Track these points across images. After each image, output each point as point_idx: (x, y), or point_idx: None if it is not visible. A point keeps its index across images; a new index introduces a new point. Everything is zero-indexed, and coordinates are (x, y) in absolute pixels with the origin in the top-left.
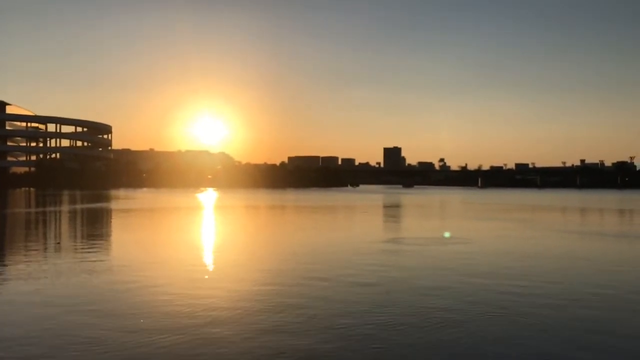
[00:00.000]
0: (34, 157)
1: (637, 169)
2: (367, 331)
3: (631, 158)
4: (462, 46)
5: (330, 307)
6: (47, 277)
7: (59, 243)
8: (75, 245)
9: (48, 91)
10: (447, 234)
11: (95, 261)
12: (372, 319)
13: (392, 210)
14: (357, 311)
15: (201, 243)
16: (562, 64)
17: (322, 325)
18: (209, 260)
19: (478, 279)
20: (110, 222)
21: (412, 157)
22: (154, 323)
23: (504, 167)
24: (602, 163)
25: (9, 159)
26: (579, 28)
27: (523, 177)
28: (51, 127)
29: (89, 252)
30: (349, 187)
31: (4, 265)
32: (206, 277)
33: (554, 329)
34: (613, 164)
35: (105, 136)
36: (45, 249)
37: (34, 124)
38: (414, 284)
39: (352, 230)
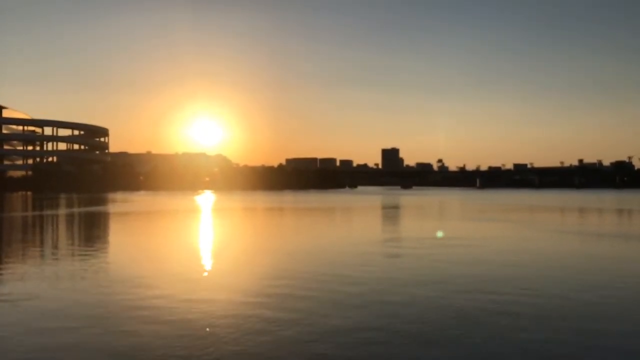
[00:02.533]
0: (30, 161)
1: (636, 168)
2: (365, 336)
3: (629, 157)
4: (460, 47)
5: (329, 312)
6: (40, 280)
7: (55, 247)
8: (71, 249)
9: (44, 94)
10: (439, 234)
11: (90, 265)
12: (370, 323)
13: (391, 212)
14: (354, 315)
15: (199, 246)
16: (560, 65)
17: (320, 330)
18: (206, 263)
19: (479, 290)
20: (108, 225)
21: (410, 158)
22: (148, 327)
23: (503, 168)
24: (600, 163)
25: (6, 162)
26: (577, 29)
27: (521, 177)
28: (48, 131)
29: (85, 255)
30: (347, 189)
31: None
32: (203, 280)
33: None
34: (611, 163)
35: (102, 139)
36: (42, 252)
37: (30, 128)
38: (411, 290)
39: (351, 232)
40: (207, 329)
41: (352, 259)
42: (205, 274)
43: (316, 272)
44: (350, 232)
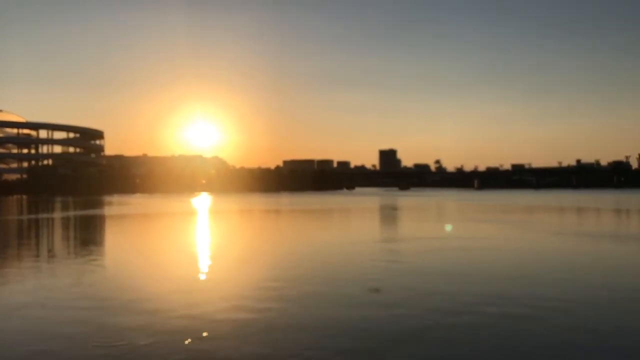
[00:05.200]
0: (25, 164)
1: (633, 168)
2: (366, 343)
3: (626, 157)
4: (457, 47)
5: (329, 317)
6: (35, 283)
7: (50, 250)
8: (67, 253)
9: (39, 96)
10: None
11: (86, 269)
12: (371, 328)
13: (389, 213)
14: (356, 319)
15: (195, 249)
16: (557, 65)
17: (319, 336)
18: (203, 266)
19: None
20: (104, 228)
21: (407, 159)
22: (146, 332)
23: (500, 168)
24: (597, 162)
25: (1, 166)
26: (574, 29)
27: (519, 177)
28: (43, 134)
29: (80, 259)
30: (345, 190)
31: None
32: (201, 284)
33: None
34: (609, 163)
35: (98, 142)
36: (34, 257)
37: (25, 131)
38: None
39: (349, 235)
40: (205, 334)
41: (350, 261)
42: (203, 277)
43: (314, 276)
44: (348, 234)
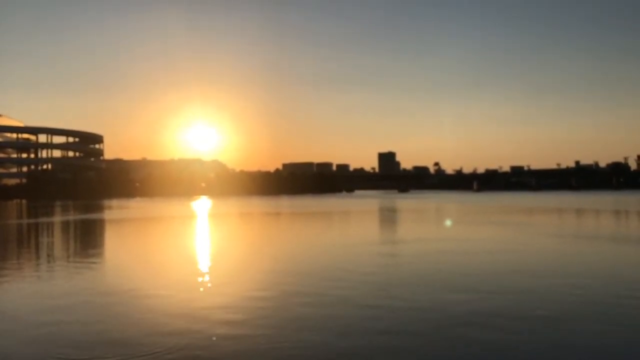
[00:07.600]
0: (25, 169)
1: (632, 169)
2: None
3: (625, 158)
4: (456, 49)
5: (330, 324)
6: (34, 287)
7: (49, 255)
8: (66, 258)
9: (38, 100)
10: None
11: (85, 273)
12: (370, 328)
13: (388, 215)
14: (360, 328)
15: (196, 254)
16: (556, 66)
17: (320, 341)
18: (204, 272)
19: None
20: (103, 233)
21: (406, 161)
22: (144, 337)
23: (499, 170)
24: (596, 164)
25: (0, 170)
26: (574, 30)
27: (518, 179)
28: (42, 138)
29: (79, 263)
30: (344, 193)
31: None
32: (202, 290)
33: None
34: (608, 164)
35: (97, 146)
36: (37, 260)
37: (24, 135)
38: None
39: (350, 236)
40: (214, 338)
41: (349, 266)
42: (203, 283)
43: (313, 279)
44: (348, 237)
